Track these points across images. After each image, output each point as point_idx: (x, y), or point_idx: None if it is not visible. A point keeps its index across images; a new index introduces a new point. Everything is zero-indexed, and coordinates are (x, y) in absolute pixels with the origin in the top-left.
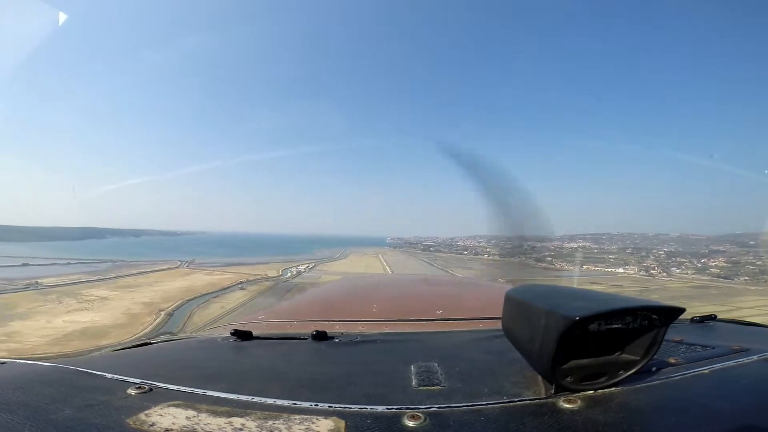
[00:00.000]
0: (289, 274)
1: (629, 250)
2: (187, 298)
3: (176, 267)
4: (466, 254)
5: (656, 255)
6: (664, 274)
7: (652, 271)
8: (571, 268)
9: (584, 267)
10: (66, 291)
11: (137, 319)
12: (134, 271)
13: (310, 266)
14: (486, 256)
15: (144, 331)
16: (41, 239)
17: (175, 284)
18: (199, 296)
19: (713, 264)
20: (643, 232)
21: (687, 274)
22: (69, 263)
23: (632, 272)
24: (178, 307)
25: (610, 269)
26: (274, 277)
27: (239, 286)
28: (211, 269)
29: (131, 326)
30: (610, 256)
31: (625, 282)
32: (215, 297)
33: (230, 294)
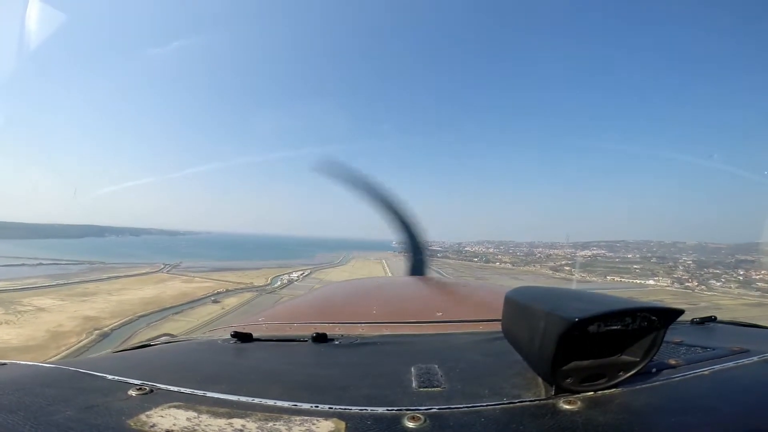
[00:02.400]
0: (279, 282)
1: (653, 260)
2: (141, 313)
3: (156, 271)
4: (476, 261)
5: (685, 265)
6: (703, 287)
7: (688, 284)
8: (594, 279)
9: (608, 278)
10: (4, 298)
11: (59, 340)
12: (105, 276)
13: (305, 273)
14: (498, 264)
15: (55, 357)
16: (37, 236)
17: (140, 293)
18: (159, 311)
19: (757, 277)
20: (660, 239)
21: (730, 287)
22: (41, 264)
23: (665, 284)
24: (123, 325)
25: (638, 281)
26: (260, 286)
27: (214, 298)
28: (193, 275)
29: (44, 349)
30: (634, 266)
31: (664, 296)
32: (178, 312)
33: (198, 309)
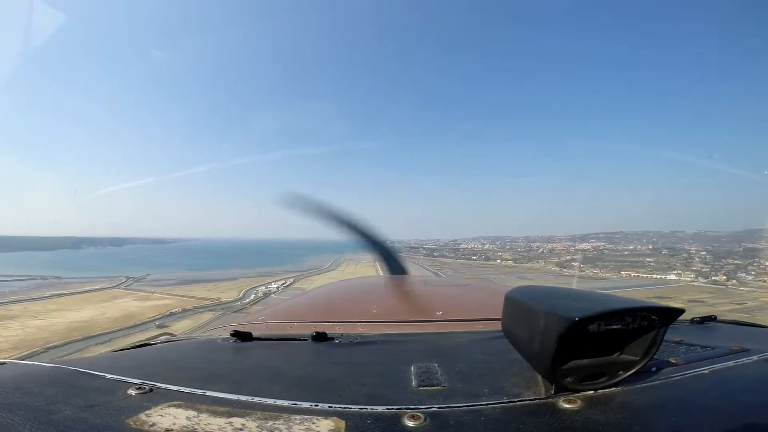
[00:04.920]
0: (252, 296)
1: (664, 251)
2: (55, 343)
3: (113, 287)
4: (475, 259)
5: (700, 256)
6: (734, 281)
7: (715, 278)
8: (608, 275)
9: (622, 273)
10: None
11: None
12: (48, 294)
13: (287, 283)
14: (499, 261)
15: None
16: (7, 250)
17: (73, 316)
18: (81, 339)
19: None
20: (658, 229)
21: (765, 281)
22: None
23: (688, 279)
24: (18, 360)
25: (656, 275)
26: (227, 302)
27: (159, 322)
28: (154, 290)
29: None
30: (647, 259)
31: (702, 295)
32: (104, 342)
33: (134, 337)
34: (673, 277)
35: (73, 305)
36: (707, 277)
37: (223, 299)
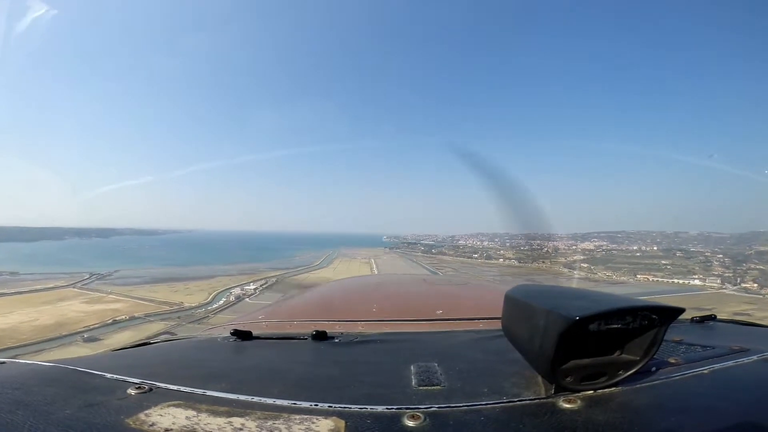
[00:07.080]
0: (223, 300)
1: (678, 253)
2: None
3: (68, 285)
4: (476, 257)
5: (719, 260)
6: None
7: (745, 285)
8: (624, 278)
9: (638, 277)
10: None
11: None
12: None
13: (268, 283)
14: (501, 260)
15: None
16: None
17: None
18: None
19: None
20: (660, 229)
21: None
22: None
23: (714, 285)
24: None
25: (677, 280)
26: (191, 308)
27: (89, 334)
28: (112, 289)
29: None
30: (663, 262)
31: (741, 306)
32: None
33: (49, 353)
34: (697, 282)
35: (6, 308)
36: (734, 284)
37: (186, 304)
